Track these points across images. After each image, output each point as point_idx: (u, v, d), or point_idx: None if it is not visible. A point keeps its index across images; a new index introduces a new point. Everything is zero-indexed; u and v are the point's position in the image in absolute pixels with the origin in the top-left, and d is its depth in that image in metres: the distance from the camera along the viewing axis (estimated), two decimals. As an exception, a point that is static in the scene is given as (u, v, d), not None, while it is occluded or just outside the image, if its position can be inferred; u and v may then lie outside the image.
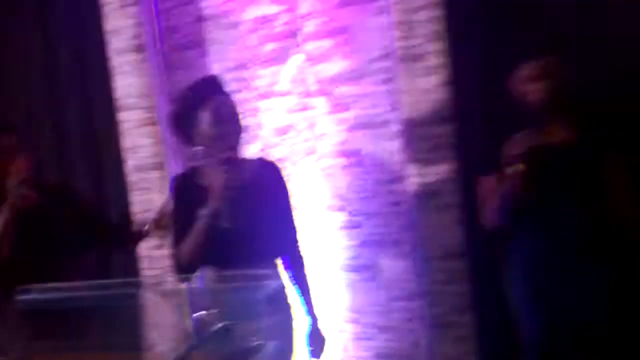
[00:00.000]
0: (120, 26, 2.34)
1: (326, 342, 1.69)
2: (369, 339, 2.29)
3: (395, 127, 2.14)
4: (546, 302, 1.57)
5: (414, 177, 2.05)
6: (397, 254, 2.23)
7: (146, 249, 2.38)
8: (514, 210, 1.59)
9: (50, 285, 1.25)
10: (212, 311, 0.93)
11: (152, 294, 1.26)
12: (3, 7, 2.67)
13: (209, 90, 1.55)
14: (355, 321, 2.31)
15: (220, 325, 0.95)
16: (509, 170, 1.51)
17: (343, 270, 2.30)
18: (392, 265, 2.24)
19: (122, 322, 1.11)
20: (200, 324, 0.91)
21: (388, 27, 2.05)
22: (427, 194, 2.02)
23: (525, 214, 1.59)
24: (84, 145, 2.60)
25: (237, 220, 1.43)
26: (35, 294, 1.22)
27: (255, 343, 1.03)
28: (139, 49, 2.34)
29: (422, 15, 1.93)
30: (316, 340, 1.66)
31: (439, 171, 1.96)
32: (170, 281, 1.51)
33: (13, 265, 1.67)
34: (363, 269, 2.28)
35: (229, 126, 1.52)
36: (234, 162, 1.48)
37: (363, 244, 2.27)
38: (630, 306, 1.52)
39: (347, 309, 2.31)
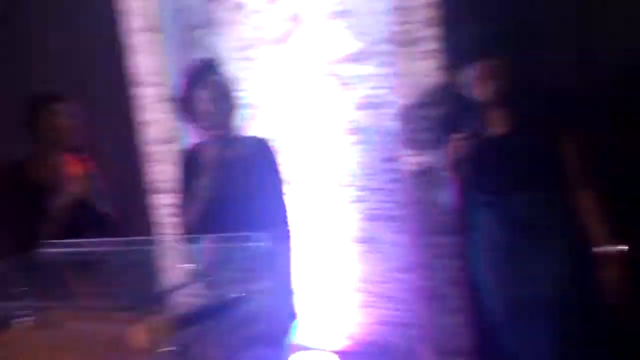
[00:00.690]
0: (135, 6, 2.46)
1: (295, 321, 1.78)
2: (372, 306, 2.41)
3: (394, 108, 2.21)
4: (500, 279, 1.65)
5: (410, 157, 2.13)
6: (397, 228, 2.32)
7: (160, 216, 2.54)
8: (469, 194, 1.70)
9: (72, 240, 1.41)
10: (198, 264, 1.04)
11: (158, 250, 1.40)
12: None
13: (204, 72, 1.68)
14: (360, 290, 2.43)
15: (204, 274, 1.07)
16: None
17: (351, 242, 2.41)
18: (392, 238, 2.34)
19: (131, 273, 1.26)
20: (187, 274, 1.03)
21: (388, 11, 2.11)
22: (420, 173, 2.10)
23: (478, 198, 1.69)
24: (104, 118, 2.76)
25: (224, 194, 1.54)
26: (59, 247, 1.38)
27: (239, 294, 1.14)
28: (153, 28, 2.46)
29: (417, 0, 1.98)
30: (288, 316, 1.75)
31: (432, 151, 2.03)
32: (173, 241, 1.64)
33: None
34: (367, 240, 2.38)
35: (223, 104, 1.65)
36: (227, 139, 1.59)
37: (368, 218, 2.38)
38: (579, 281, 1.58)
39: (354, 278, 2.43)
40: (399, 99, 2.14)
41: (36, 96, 1.98)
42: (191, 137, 2.50)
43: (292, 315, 1.76)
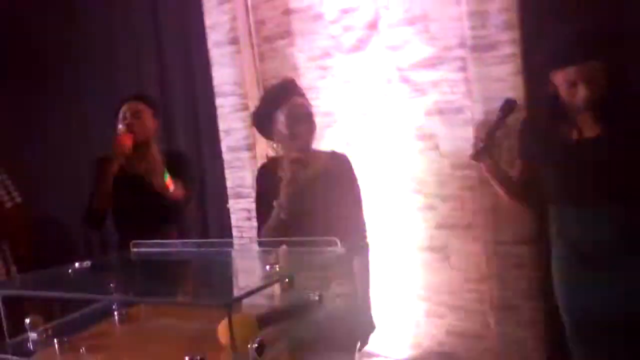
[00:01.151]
0: (217, 21, 2.60)
1: (374, 331, 1.79)
2: (440, 316, 2.39)
3: (469, 114, 2.18)
4: (583, 294, 1.57)
5: (484, 163, 2.08)
6: (469, 237, 2.28)
7: (236, 219, 2.67)
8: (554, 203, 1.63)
9: (159, 241, 1.54)
10: (279, 266, 1.10)
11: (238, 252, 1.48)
12: (122, 6, 3.08)
13: (285, 93, 1.72)
14: (428, 299, 2.41)
15: (284, 276, 1.12)
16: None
17: (419, 250, 2.40)
18: (465, 248, 2.30)
19: (204, 272, 1.35)
20: (267, 276, 1.09)
21: (463, 16, 2.09)
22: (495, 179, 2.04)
23: (562, 207, 1.61)
24: (188, 126, 2.95)
25: (300, 211, 1.58)
26: (146, 247, 1.50)
27: (317, 297, 1.19)
28: (233, 41, 2.60)
29: (494, 5, 1.95)
30: (366, 327, 1.76)
31: (508, 158, 1.98)
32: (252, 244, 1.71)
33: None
34: (437, 249, 2.36)
35: (302, 128, 1.69)
36: (304, 159, 1.63)
37: (437, 226, 2.35)
38: None
39: (422, 287, 2.41)
40: (473, 104, 2.11)
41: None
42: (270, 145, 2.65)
43: (371, 325, 1.77)
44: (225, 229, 2.76)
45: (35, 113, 3.52)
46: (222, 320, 1.05)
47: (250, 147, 2.66)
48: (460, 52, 2.19)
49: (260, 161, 2.64)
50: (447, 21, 2.20)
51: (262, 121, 1.78)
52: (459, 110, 2.25)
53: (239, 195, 2.71)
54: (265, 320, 1.10)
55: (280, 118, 1.69)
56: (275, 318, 1.11)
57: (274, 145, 1.76)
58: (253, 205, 2.66)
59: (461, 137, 2.24)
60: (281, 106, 1.70)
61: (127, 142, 1.99)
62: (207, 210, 2.94)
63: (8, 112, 3.55)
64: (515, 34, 1.96)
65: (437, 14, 2.22)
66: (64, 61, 3.35)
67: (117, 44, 3.15)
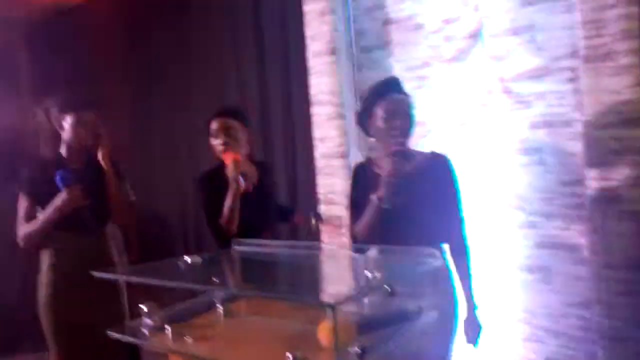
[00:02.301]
0: (318, 32, 2.68)
1: (482, 331, 1.75)
2: (539, 341, 2.26)
3: (578, 127, 2.06)
4: None
5: (595, 181, 1.96)
6: (574, 259, 2.15)
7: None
8: None
9: (257, 240, 1.60)
10: (376, 274, 1.10)
11: (328, 256, 1.51)
12: (226, 16, 3.27)
13: (385, 90, 1.75)
14: (526, 322, 2.29)
15: (384, 286, 1.12)
16: None
17: (518, 270, 2.30)
18: (568, 270, 2.17)
19: (304, 273, 1.38)
20: (365, 282, 1.09)
21: (575, 25, 1.98)
22: (608, 199, 1.91)
23: None
24: (284, 133, 3.06)
25: (399, 205, 1.58)
26: (246, 246, 1.58)
27: (417, 307, 1.17)
28: (333, 51, 2.65)
29: (612, 13, 1.83)
30: (472, 328, 1.74)
31: (622, 176, 1.84)
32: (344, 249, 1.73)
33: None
34: (538, 270, 2.24)
35: (399, 122, 1.70)
36: (402, 154, 1.63)
37: (539, 245, 2.24)
38: None
39: (519, 308, 2.30)
40: (582, 117, 1.99)
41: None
42: (362, 152, 2.67)
43: (477, 325, 1.74)
44: (314, 235, 2.81)
45: (145, 119, 3.82)
46: (323, 322, 1.07)
47: (343, 155, 2.69)
48: (569, 62, 2.08)
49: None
50: (555, 30, 2.10)
51: (362, 117, 1.81)
52: (567, 123, 2.13)
53: (329, 202, 2.75)
54: (364, 326, 1.11)
55: (379, 112, 1.71)
56: (374, 326, 1.11)
57: (373, 140, 1.77)
58: (343, 212, 2.71)
59: (569, 152, 2.13)
60: (380, 101, 1.71)
61: (237, 157, 2.00)
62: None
63: (124, 115, 3.88)
64: (634, 44, 1.83)
65: (544, 23, 2.13)
66: (173, 70, 3.61)
67: (221, 54, 3.35)
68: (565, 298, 2.18)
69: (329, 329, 1.01)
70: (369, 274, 1.11)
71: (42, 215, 1.97)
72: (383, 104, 1.72)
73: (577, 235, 2.13)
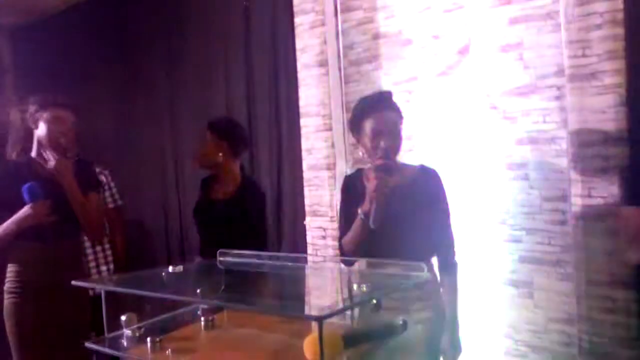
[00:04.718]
0: (308, 44, 2.69)
1: (461, 354, 1.72)
2: (521, 356, 2.25)
3: (563, 144, 2.09)
4: None
5: (579, 198, 1.98)
6: (557, 274, 2.16)
7: (312, 237, 2.70)
8: None
9: (242, 252, 1.58)
10: (363, 285, 1.09)
11: (314, 268, 1.49)
12: (217, 28, 3.27)
13: (375, 105, 1.73)
14: (508, 336, 2.29)
15: (370, 299, 1.11)
16: None
17: (502, 284, 2.30)
18: (551, 285, 2.18)
19: (290, 286, 1.36)
20: (351, 295, 1.08)
21: (561, 44, 2.02)
22: (593, 216, 1.93)
23: None
24: (270, 144, 3.05)
25: (384, 223, 1.56)
26: (231, 257, 1.55)
27: (401, 321, 1.16)
28: (322, 63, 2.66)
29: (598, 33, 1.87)
30: (452, 348, 1.70)
31: (607, 193, 1.86)
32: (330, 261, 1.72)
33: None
34: (522, 284, 2.25)
35: (386, 139, 1.67)
36: (387, 168, 1.61)
37: (522, 259, 2.24)
38: None
39: (503, 323, 2.30)
40: (568, 134, 2.01)
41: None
42: (351, 164, 2.67)
43: (458, 347, 1.71)
44: (299, 246, 2.79)
45: (132, 123, 3.79)
46: (310, 335, 1.06)
47: (330, 167, 2.69)
48: (555, 81, 2.11)
49: (339, 181, 2.68)
50: (543, 48, 2.13)
51: (353, 127, 1.80)
52: (551, 140, 2.15)
53: (315, 214, 2.74)
54: (350, 340, 1.09)
55: (367, 128, 1.70)
56: (360, 339, 1.10)
57: (361, 153, 1.76)
58: (329, 224, 2.70)
59: (554, 168, 2.15)
60: (369, 116, 1.70)
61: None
62: (283, 226, 3.00)
63: (111, 120, 3.84)
64: (619, 64, 1.86)
65: (532, 41, 2.16)
66: (161, 77, 3.59)
67: (210, 64, 3.34)
68: (548, 314, 2.18)
69: (315, 342, 0.99)
70: (356, 287, 1.10)
71: (3, 226, 1.93)
72: (371, 121, 1.70)
73: (560, 250, 2.15)
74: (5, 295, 1.99)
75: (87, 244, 2.84)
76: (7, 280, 2.00)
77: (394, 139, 1.71)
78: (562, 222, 2.14)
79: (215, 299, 1.28)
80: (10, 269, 1.99)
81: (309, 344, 1.05)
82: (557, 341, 2.16)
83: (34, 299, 1.95)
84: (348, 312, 1.28)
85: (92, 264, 2.93)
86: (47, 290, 1.90)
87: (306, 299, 1.15)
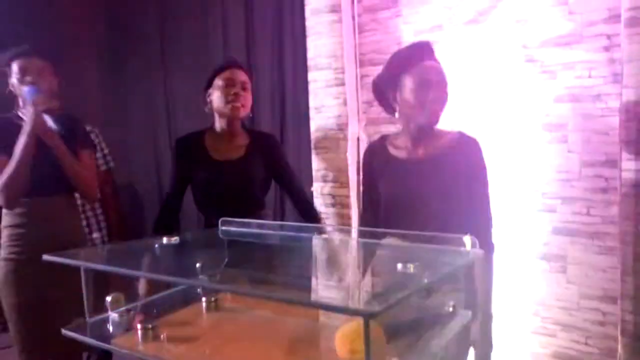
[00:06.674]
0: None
1: (492, 350, 1.52)
2: (549, 335, 2.07)
3: (610, 102, 1.84)
4: None
5: (631, 162, 1.75)
6: (595, 247, 1.95)
7: (319, 205, 2.47)
8: None
9: (246, 220, 1.34)
10: (410, 265, 0.86)
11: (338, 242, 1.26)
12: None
13: (418, 55, 1.46)
14: (536, 314, 2.10)
15: (422, 283, 0.88)
16: None
17: (534, 258, 2.09)
18: (587, 259, 1.97)
19: (310, 263, 1.13)
20: (401, 275, 0.85)
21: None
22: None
23: None
24: (273, 100, 2.78)
25: (415, 192, 1.34)
26: (234, 226, 1.31)
27: (450, 309, 0.94)
28: (334, 9, 2.37)
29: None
30: (484, 343, 1.48)
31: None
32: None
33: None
34: (554, 258, 2.05)
35: (433, 93, 1.43)
36: (429, 134, 1.40)
37: (555, 231, 2.03)
38: None
39: (530, 299, 2.11)
40: (623, 89, 1.76)
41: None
42: (362, 125, 2.41)
43: (489, 343, 1.49)
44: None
45: (121, 80, 3.50)
46: (345, 328, 0.83)
47: (342, 127, 2.43)
48: (605, 28, 1.85)
49: (352, 143, 2.43)
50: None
51: (385, 87, 1.53)
52: (597, 97, 1.90)
53: (324, 179, 2.50)
54: (392, 332, 0.87)
55: (408, 83, 1.44)
56: (406, 332, 0.87)
57: (396, 115, 1.51)
58: (339, 191, 2.47)
59: (596, 130, 1.91)
60: (411, 69, 1.44)
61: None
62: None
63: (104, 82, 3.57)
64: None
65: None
66: (153, 26, 3.29)
67: (207, 8, 3.04)
68: (581, 290, 2.00)
69: (351, 338, 0.76)
70: (400, 266, 0.86)
71: (14, 155, 1.74)
72: (415, 73, 1.44)
73: (600, 221, 1.93)
74: (1, 264, 1.82)
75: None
76: (1, 247, 1.84)
77: (442, 92, 1.45)
78: (604, 190, 1.92)
79: (221, 282, 1.04)
80: (5, 232, 1.83)
81: (344, 339, 0.82)
82: (591, 320, 1.99)
83: (29, 265, 1.78)
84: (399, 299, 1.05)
85: (85, 230, 2.71)
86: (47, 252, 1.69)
87: (335, 281, 0.91)
